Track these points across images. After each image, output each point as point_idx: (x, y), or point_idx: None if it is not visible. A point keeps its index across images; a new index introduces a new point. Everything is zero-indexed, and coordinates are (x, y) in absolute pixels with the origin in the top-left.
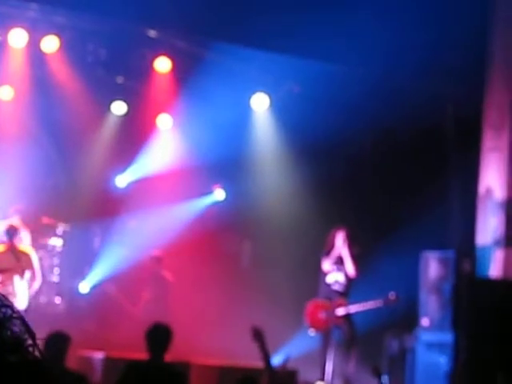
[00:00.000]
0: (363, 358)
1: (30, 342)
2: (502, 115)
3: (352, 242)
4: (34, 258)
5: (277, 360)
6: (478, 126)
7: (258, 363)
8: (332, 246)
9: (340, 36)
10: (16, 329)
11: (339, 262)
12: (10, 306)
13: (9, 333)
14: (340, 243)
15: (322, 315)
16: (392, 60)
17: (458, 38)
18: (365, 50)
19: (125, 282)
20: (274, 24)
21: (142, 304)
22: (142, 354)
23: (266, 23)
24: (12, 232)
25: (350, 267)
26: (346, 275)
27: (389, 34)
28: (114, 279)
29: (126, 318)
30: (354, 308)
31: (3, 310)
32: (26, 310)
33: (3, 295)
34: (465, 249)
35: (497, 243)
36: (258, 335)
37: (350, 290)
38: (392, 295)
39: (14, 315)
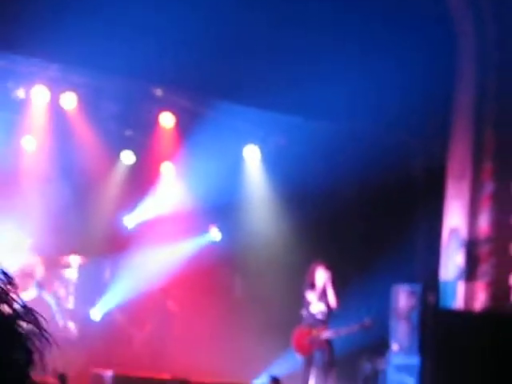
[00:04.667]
0: (340, 379)
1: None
2: (464, 166)
3: (333, 277)
4: None
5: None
6: (444, 175)
7: (246, 381)
8: (313, 279)
9: (320, 93)
10: None
11: (322, 294)
12: None
13: None
14: (322, 278)
15: (306, 340)
16: (371, 115)
17: (429, 95)
18: (343, 107)
19: (132, 310)
20: (264, 83)
21: (147, 330)
22: (145, 372)
23: (256, 83)
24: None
25: (332, 300)
26: (328, 305)
27: (366, 91)
28: (122, 308)
29: (133, 341)
30: (334, 333)
31: None
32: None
33: None
34: (430, 283)
35: (459, 278)
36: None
37: (331, 318)
38: (367, 320)
39: None
